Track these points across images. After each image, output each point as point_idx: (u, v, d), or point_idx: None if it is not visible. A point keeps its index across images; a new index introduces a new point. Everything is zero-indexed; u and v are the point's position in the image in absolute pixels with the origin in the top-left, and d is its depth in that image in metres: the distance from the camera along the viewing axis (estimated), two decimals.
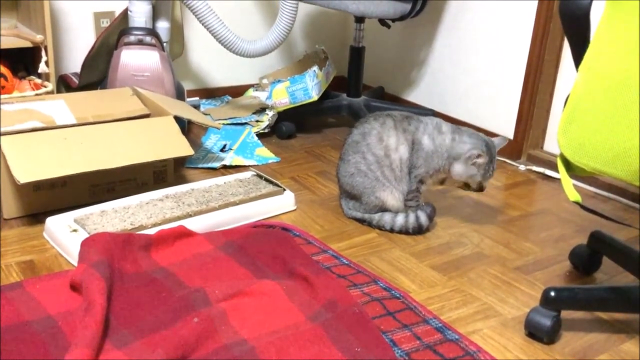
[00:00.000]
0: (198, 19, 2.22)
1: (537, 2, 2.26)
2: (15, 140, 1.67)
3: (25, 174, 1.60)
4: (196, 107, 2.45)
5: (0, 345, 1.19)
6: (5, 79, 2.00)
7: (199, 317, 1.28)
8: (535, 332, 1.37)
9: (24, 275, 1.48)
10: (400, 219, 1.78)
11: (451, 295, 1.52)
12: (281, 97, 2.47)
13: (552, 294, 1.35)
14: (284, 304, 1.38)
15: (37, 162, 1.65)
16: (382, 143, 1.76)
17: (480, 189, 1.80)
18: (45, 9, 2.04)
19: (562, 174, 1.29)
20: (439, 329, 1.37)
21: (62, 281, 1.41)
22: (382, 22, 2.58)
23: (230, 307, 1.34)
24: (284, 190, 1.91)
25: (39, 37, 2.06)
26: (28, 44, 2.06)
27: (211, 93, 2.82)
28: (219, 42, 2.27)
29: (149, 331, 1.26)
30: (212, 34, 2.25)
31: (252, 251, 1.60)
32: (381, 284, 1.51)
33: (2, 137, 1.65)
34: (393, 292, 1.49)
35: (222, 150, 2.28)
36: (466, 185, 1.81)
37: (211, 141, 2.35)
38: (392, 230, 1.79)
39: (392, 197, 1.78)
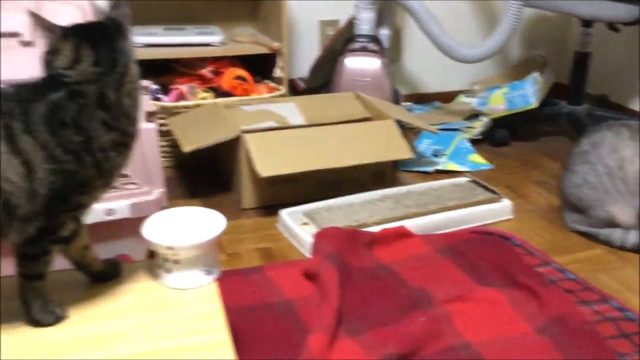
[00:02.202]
0: (419, 25, 2.26)
1: None
2: (257, 137, 1.84)
3: (266, 169, 1.76)
4: (409, 112, 2.50)
5: (242, 321, 1.33)
6: (246, 81, 2.22)
7: (426, 317, 1.32)
8: None
9: (262, 260, 1.63)
10: (633, 237, 1.66)
11: None
12: (498, 103, 2.43)
13: None
14: (507, 314, 1.37)
15: (276, 159, 1.80)
16: (616, 154, 1.66)
17: None
18: (282, 19, 2.22)
19: None
20: None
21: (297, 269, 1.52)
22: (611, 25, 2.42)
23: (454, 310, 1.36)
24: (501, 197, 1.88)
25: (276, 45, 2.25)
26: (266, 51, 2.26)
27: (420, 98, 2.86)
28: (438, 48, 2.29)
29: (379, 324, 1.32)
30: (432, 40, 2.28)
31: (472, 257, 1.60)
32: (614, 304, 1.43)
33: (248, 135, 1.83)
34: (627, 313, 1.40)
35: (435, 155, 2.30)
36: None
37: (424, 146, 2.39)
38: (622, 248, 1.68)
39: (624, 212, 1.67)
